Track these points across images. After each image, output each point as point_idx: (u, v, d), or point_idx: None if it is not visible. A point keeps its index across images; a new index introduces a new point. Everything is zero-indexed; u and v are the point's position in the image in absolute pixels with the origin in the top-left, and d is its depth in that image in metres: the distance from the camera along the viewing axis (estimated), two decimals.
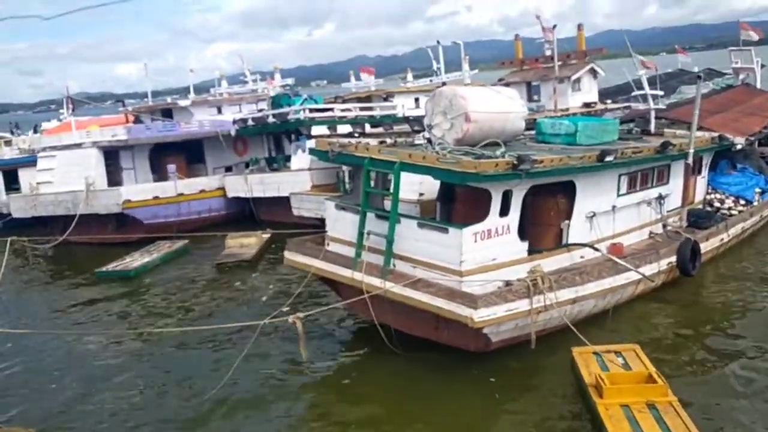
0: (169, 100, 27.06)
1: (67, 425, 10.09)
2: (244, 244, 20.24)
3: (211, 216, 23.91)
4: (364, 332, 12.40)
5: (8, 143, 27.01)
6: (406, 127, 21.13)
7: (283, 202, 22.22)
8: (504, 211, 10.87)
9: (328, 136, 20.35)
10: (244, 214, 24.26)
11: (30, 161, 25.67)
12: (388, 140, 13.89)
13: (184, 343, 12.64)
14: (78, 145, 22.21)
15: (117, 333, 13.87)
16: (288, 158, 23.42)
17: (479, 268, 10.66)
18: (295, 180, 21.86)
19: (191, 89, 30.13)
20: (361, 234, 11.53)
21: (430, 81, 29.56)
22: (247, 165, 26.28)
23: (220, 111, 27.38)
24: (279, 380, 10.91)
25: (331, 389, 10.64)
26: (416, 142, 14.05)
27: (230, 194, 23.84)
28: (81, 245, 22.01)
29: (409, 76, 30.89)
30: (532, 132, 14.68)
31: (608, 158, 11.96)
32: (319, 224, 20.64)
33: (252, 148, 26.50)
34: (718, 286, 13.88)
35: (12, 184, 26.32)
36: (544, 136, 13.99)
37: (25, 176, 25.68)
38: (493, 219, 10.76)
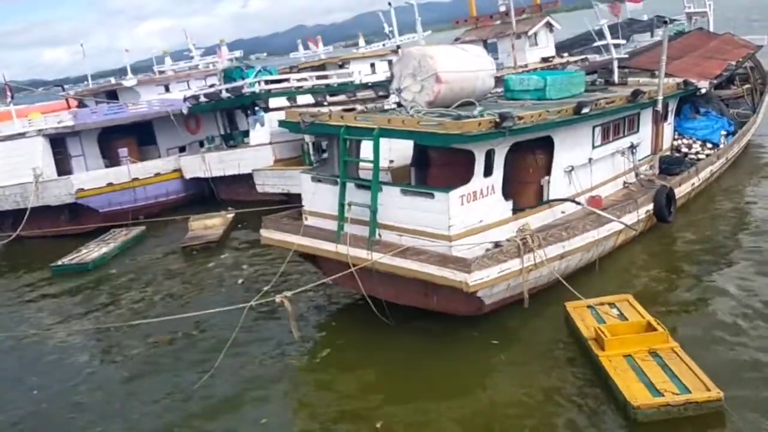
0: (112, 81, 25.70)
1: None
2: (209, 225, 19.60)
3: (169, 200, 23.05)
4: (354, 306, 12.07)
5: None
6: (369, 94, 20.57)
7: (244, 180, 21.56)
8: (488, 172, 10.64)
9: (289, 108, 19.65)
10: (204, 195, 23.49)
11: None
12: (359, 107, 13.41)
13: (163, 334, 12.04)
14: (21, 135, 20.91)
15: (85, 330, 13.11)
16: (245, 134, 22.64)
17: (467, 231, 10.43)
18: (256, 155, 21.17)
19: (128, 69, 28.73)
20: (342, 205, 11.12)
21: (383, 45, 28.96)
22: (201, 144, 25.34)
23: (167, 89, 26.19)
24: (271, 363, 10.51)
25: (326, 367, 10.29)
26: (386, 107, 13.64)
27: (188, 175, 22.97)
28: (33, 240, 20.93)
29: (361, 42, 30.15)
30: (498, 90, 14.45)
31: (585, 110, 11.81)
32: (285, 200, 20.18)
33: (205, 126, 25.51)
34: (694, 228, 14.06)
35: None
36: (513, 93, 13.78)
37: None
38: (477, 180, 10.51)
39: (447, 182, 10.77)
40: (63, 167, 21.68)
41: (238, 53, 28.46)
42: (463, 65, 12.31)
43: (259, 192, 20.59)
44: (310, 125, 11.58)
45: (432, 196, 10.38)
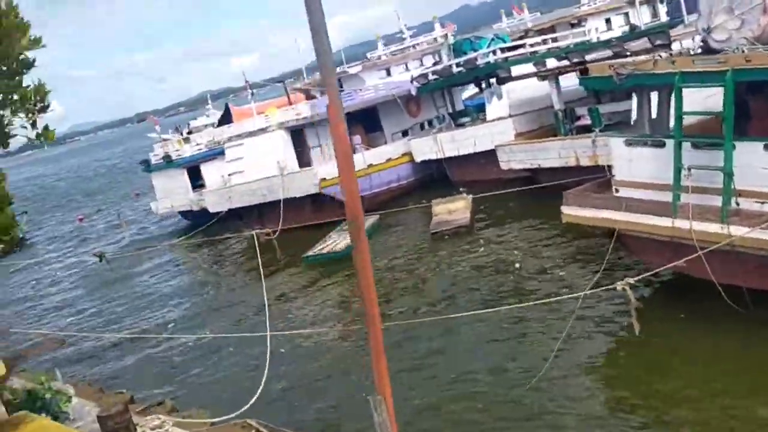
0: (338, 69, 25.75)
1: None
2: (452, 209, 18.55)
3: (400, 185, 22.45)
4: (697, 290, 9.94)
5: (187, 140, 26.99)
6: (640, 44, 17.90)
7: (477, 159, 20.26)
8: None
9: (535, 74, 17.92)
10: (433, 177, 22.59)
11: (210, 156, 25.41)
12: (663, 55, 11.30)
13: (475, 324, 10.82)
14: (263, 130, 21.34)
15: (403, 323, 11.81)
16: (479, 108, 21.25)
17: None
18: (494, 131, 19.69)
19: None
20: (678, 171, 9.18)
21: None
22: (421, 126, 24.51)
23: (389, 73, 25.69)
24: (609, 359, 9.05)
25: (678, 370, 8.49)
26: (692, 52, 11.39)
27: (418, 158, 22.18)
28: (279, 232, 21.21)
29: None
30: None
31: None
32: (528, 176, 18.50)
33: (425, 108, 24.64)
34: None
35: (196, 181, 26.24)
36: None
37: (207, 171, 25.40)
38: None
39: None
40: (302, 159, 21.84)
41: (452, 26, 27.28)
42: None
43: (503, 169, 19.09)
44: (627, 77, 9.72)
45: None
